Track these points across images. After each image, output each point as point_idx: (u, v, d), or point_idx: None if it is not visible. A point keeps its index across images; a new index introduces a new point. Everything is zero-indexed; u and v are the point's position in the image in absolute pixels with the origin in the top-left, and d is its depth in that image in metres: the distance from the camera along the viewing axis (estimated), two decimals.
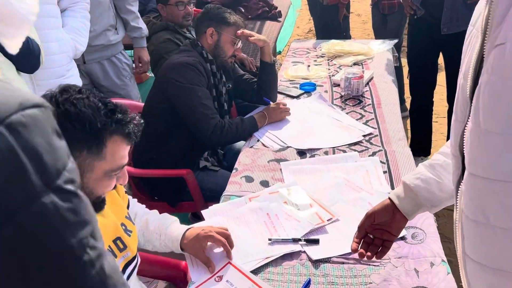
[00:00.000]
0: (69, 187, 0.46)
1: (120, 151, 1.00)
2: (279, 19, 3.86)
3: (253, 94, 2.32)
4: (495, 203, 0.74)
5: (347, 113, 2.16)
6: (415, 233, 1.38)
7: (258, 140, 2.00)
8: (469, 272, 0.83)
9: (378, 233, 1.13)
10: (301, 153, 1.87)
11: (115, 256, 1.10)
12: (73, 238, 0.45)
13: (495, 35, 0.71)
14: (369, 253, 1.12)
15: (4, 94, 0.44)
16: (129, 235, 1.16)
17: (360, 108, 2.20)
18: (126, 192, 1.36)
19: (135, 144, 2.18)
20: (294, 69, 2.67)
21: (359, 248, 1.15)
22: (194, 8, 2.89)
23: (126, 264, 1.13)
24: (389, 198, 1.12)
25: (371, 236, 1.15)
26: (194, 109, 1.97)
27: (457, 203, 0.91)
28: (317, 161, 1.79)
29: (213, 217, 1.51)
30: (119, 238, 1.12)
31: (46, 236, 0.44)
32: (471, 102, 0.78)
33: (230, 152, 2.31)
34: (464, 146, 0.81)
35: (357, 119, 2.09)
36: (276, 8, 3.93)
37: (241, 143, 2.23)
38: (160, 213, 2.43)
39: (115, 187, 1.05)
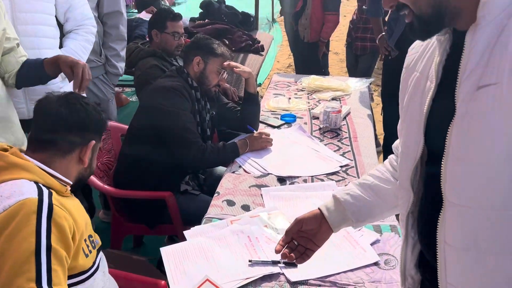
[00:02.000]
0: None
1: None
2: (262, 52, 4.01)
3: (236, 122, 2.40)
4: (488, 231, 0.81)
5: (325, 145, 2.25)
6: (388, 260, 1.45)
7: (240, 166, 2.07)
8: None
9: (303, 241, 1.18)
10: (281, 180, 1.94)
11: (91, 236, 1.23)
12: None
13: (474, 78, 0.79)
14: (292, 255, 1.17)
15: None
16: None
17: (338, 141, 2.31)
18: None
19: (117, 165, 2.24)
20: (275, 100, 2.78)
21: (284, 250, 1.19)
22: (187, 39, 2.97)
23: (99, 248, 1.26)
24: (319, 209, 1.18)
25: (296, 243, 1.19)
26: (177, 133, 2.04)
27: (410, 231, 1.00)
28: (296, 188, 1.87)
29: (195, 237, 1.55)
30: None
31: None
32: (425, 140, 0.89)
33: (211, 177, 2.36)
34: (413, 180, 0.93)
35: (334, 151, 2.19)
36: (259, 42, 4.08)
37: (223, 168, 2.29)
38: (138, 234, 2.45)
39: None
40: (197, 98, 2.17)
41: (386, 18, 3.21)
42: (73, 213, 1.14)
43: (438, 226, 0.89)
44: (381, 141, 3.54)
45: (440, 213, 0.88)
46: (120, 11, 2.58)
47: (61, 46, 2.19)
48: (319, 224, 1.17)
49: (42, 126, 1.24)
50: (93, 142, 1.27)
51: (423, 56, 0.96)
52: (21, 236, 1.00)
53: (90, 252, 1.18)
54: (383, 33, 3.03)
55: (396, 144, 1.15)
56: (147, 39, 3.03)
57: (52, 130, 1.21)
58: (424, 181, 0.99)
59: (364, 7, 3.47)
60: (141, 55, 2.78)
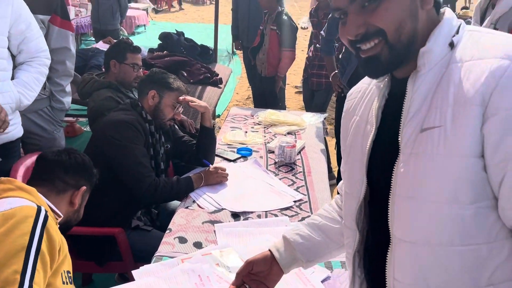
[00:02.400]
0: None
1: None
2: (220, 85, 4.05)
3: (192, 155, 2.39)
4: (436, 266, 0.84)
5: (280, 179, 2.28)
6: None
7: (194, 201, 2.04)
8: None
9: (254, 284, 1.18)
10: (235, 215, 1.93)
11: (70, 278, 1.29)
12: None
13: (417, 121, 0.84)
14: None
15: None
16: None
17: (292, 175, 2.34)
18: None
19: None
20: (232, 134, 2.80)
21: None
22: (144, 71, 2.95)
23: None
24: (269, 250, 1.19)
25: (247, 286, 1.18)
26: (130, 167, 2.00)
27: (357, 270, 1.03)
28: (250, 224, 1.86)
29: (144, 277, 1.50)
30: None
31: None
32: (368, 181, 0.93)
33: (164, 212, 2.32)
34: (358, 219, 0.97)
35: (289, 185, 2.22)
36: (218, 75, 4.13)
37: (176, 203, 2.26)
38: (87, 272, 2.36)
39: None
40: (151, 131, 2.15)
41: (340, 56, 3.34)
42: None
43: (386, 263, 0.92)
44: (336, 174, 3.62)
45: (389, 250, 0.91)
46: (68, 47, 2.53)
47: (13, 77, 2.13)
48: (269, 266, 1.17)
49: (42, 168, 1.46)
50: (85, 187, 1.51)
51: (362, 101, 1.01)
52: (16, 233, 1.11)
53: (67, 283, 1.26)
54: (336, 71, 3.15)
55: (341, 185, 1.18)
56: (103, 69, 3.00)
57: (51, 170, 1.43)
58: (369, 220, 1.02)
59: (318, 45, 3.60)
60: (95, 87, 2.73)
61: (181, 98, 2.18)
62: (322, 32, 3.37)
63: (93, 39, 7.54)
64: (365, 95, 1.00)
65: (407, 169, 0.85)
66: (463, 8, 10.16)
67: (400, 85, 0.90)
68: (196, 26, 12.37)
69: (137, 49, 2.74)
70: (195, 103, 2.26)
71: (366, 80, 1.05)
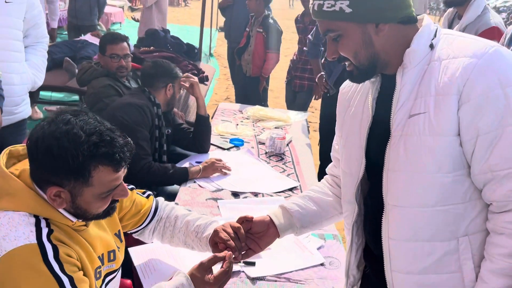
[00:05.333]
0: None
1: (107, 178, 1.05)
2: (206, 82, 4.22)
3: (189, 142, 2.56)
4: (423, 224, 1.05)
5: (271, 167, 2.48)
6: (332, 261, 1.68)
7: (195, 181, 2.21)
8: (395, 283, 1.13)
9: (249, 241, 1.37)
10: (235, 194, 2.12)
11: (103, 263, 1.19)
12: None
13: (405, 109, 1.04)
14: (237, 253, 1.33)
15: None
16: (118, 249, 1.28)
17: (282, 164, 2.54)
18: None
19: None
20: (223, 125, 2.98)
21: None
22: (132, 63, 3.03)
23: (108, 273, 1.24)
24: (268, 216, 1.39)
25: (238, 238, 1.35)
26: None
27: (355, 237, 1.24)
28: (249, 201, 2.05)
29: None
30: (113, 251, 1.24)
31: None
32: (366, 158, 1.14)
33: (163, 193, 2.46)
34: (357, 194, 1.18)
35: (280, 172, 2.42)
36: (204, 72, 4.30)
37: (175, 186, 2.40)
38: None
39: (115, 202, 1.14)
40: (158, 114, 2.32)
41: (322, 61, 3.58)
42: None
43: (382, 226, 1.13)
44: (316, 169, 3.85)
45: (383, 215, 1.12)
46: None
47: None
48: (266, 228, 1.36)
49: None
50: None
51: (356, 94, 1.22)
52: (33, 278, 0.98)
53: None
54: (322, 73, 3.39)
55: (330, 167, 1.41)
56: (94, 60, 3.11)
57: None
58: (365, 194, 1.23)
59: (304, 48, 3.84)
60: (95, 75, 2.85)
61: (184, 75, 2.40)
62: (309, 36, 3.61)
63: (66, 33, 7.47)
64: (358, 89, 1.21)
65: (397, 147, 1.06)
66: None
67: (389, 80, 1.11)
68: (171, 27, 12.41)
69: (116, 39, 2.74)
70: (195, 79, 2.49)
71: None
